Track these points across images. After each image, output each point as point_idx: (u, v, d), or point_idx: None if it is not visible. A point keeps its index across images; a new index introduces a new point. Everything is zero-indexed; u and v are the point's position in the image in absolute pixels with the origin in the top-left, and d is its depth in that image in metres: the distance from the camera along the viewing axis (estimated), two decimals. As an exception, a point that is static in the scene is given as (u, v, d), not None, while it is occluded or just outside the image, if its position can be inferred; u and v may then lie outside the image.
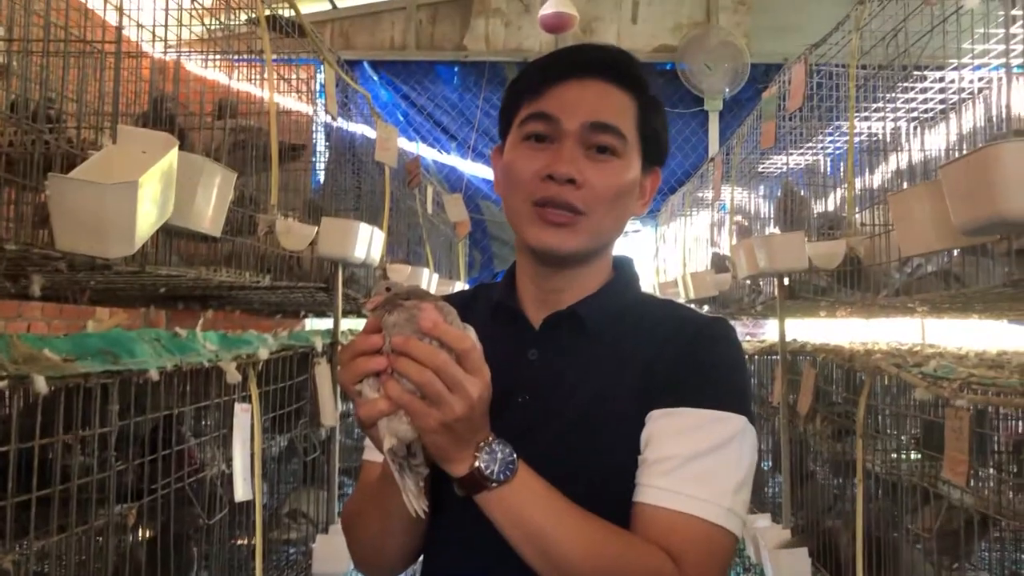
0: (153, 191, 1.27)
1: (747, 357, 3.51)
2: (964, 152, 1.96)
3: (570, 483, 1.06)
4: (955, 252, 1.92)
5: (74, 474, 1.34)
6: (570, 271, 1.20)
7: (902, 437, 2.39)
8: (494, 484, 1.01)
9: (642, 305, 1.24)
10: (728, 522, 1.05)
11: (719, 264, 4.05)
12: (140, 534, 1.88)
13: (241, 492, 1.87)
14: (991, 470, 1.94)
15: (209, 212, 1.49)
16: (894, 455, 2.29)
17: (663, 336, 1.16)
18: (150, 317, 3.40)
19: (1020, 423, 1.95)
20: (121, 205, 1.20)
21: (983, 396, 1.46)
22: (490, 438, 1.02)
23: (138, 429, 1.59)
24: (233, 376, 1.80)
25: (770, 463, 3.28)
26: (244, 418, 1.91)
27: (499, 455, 1.01)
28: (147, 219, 1.27)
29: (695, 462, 1.06)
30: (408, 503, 1.03)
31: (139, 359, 1.47)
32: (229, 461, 1.91)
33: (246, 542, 2.30)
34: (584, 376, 1.15)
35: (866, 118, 2.54)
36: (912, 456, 2.24)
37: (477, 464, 1.00)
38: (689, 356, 1.13)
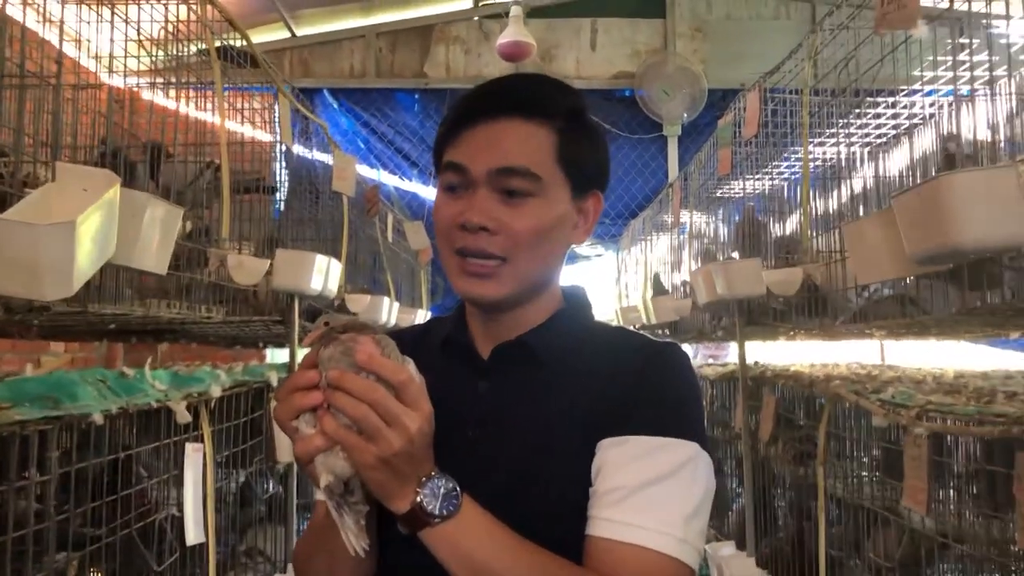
0: (93, 230, 1.23)
1: (708, 382, 3.50)
2: (918, 178, 1.99)
3: (522, 518, 1.03)
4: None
5: (9, 526, 1.29)
6: (513, 312, 1.18)
7: (863, 461, 2.39)
8: (437, 520, 0.98)
9: (593, 333, 1.22)
10: (681, 553, 1.02)
11: (659, 287, 4.08)
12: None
13: (193, 535, 1.81)
14: (951, 491, 1.94)
15: (154, 249, 1.45)
16: (854, 479, 2.29)
17: (613, 364, 1.14)
18: (103, 352, 3.33)
19: (977, 447, 1.95)
20: (58, 246, 1.16)
21: (941, 424, 1.46)
22: (432, 473, 0.99)
23: (83, 474, 1.54)
24: (183, 416, 1.75)
25: (734, 486, 3.27)
26: (196, 458, 1.86)
27: (441, 490, 0.99)
28: (87, 259, 1.23)
29: (645, 491, 1.03)
30: (347, 542, 1.00)
31: (81, 403, 1.42)
32: (180, 504, 1.85)
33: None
34: (535, 408, 1.13)
35: (820, 144, 2.56)
36: (872, 480, 2.24)
37: (418, 500, 0.98)
38: (639, 384, 1.11)
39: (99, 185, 1.29)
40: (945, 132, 1.97)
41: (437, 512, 0.98)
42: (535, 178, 1.12)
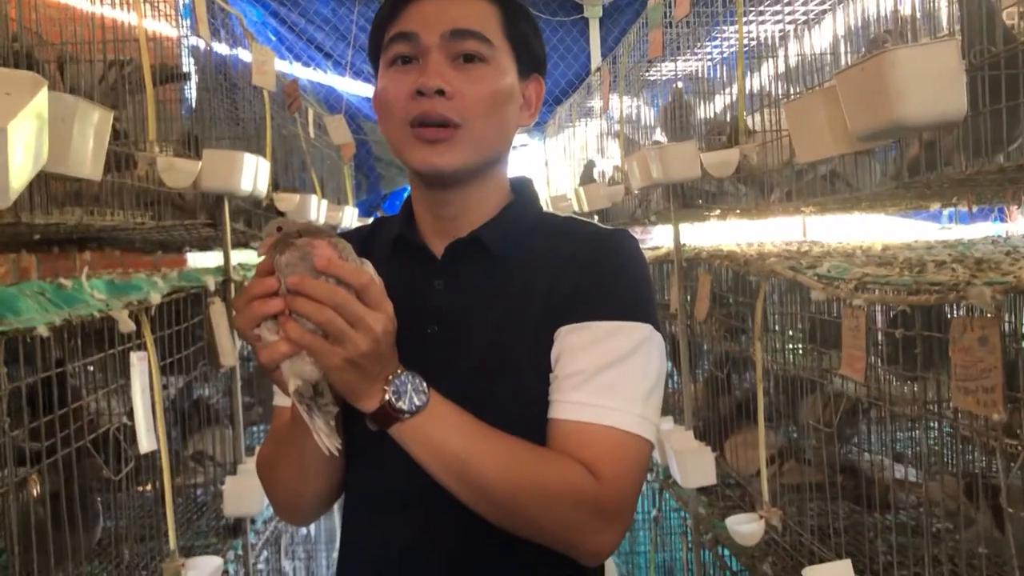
0: (25, 137, 1.16)
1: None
2: (844, 54, 2.01)
3: (485, 408, 1.07)
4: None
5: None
6: (462, 192, 1.18)
7: (790, 334, 2.49)
8: (406, 415, 1.01)
9: (544, 224, 1.24)
10: (641, 428, 1.08)
11: (588, 176, 4.09)
12: (40, 491, 1.80)
13: (146, 443, 1.80)
14: (875, 358, 2.04)
15: (88, 155, 1.39)
16: (784, 351, 2.39)
17: (566, 253, 1.16)
18: (21, 264, 3.20)
19: (891, 316, 2.03)
20: (-9, 154, 1.10)
21: (879, 295, 1.53)
22: (399, 370, 1.02)
23: (31, 389, 1.51)
24: (126, 325, 1.71)
25: (671, 366, 3.37)
26: (141, 367, 1.83)
27: (409, 386, 1.01)
28: (22, 168, 1.17)
29: (604, 373, 1.08)
30: (320, 442, 1.02)
31: (25, 316, 1.38)
32: (129, 412, 1.83)
33: (151, 488, 2.24)
34: (491, 301, 1.15)
35: (750, 21, 2.55)
36: (801, 351, 2.34)
37: (387, 398, 1.00)
38: (591, 270, 1.14)
39: (23, 89, 1.22)
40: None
41: (406, 408, 1.01)
42: (488, 43, 1.13)
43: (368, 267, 1.01)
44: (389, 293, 1.01)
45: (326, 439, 1.02)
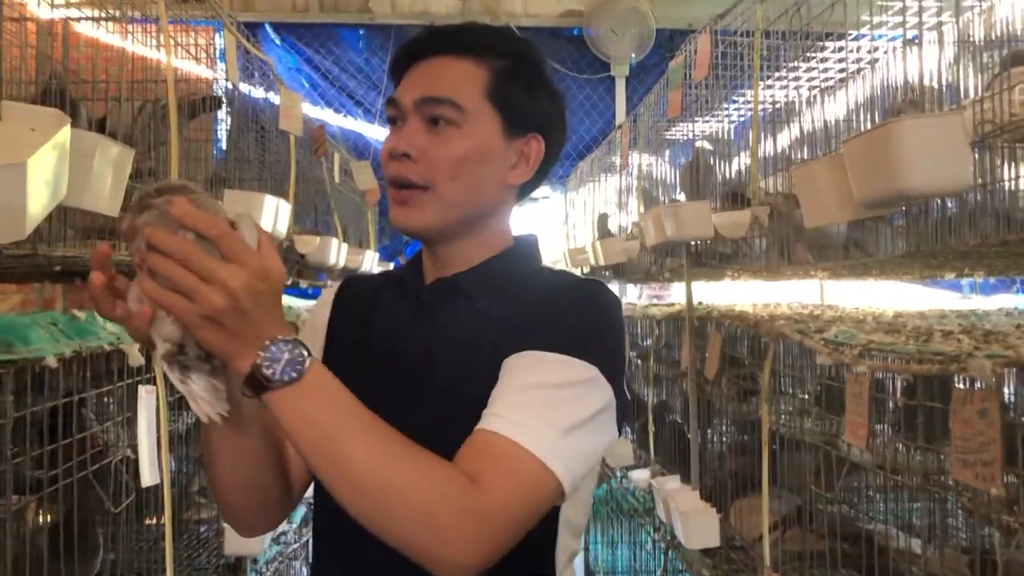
0: (45, 172, 1.20)
1: (654, 321, 3.55)
2: (863, 122, 2.03)
3: (447, 435, 1.05)
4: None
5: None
6: (447, 246, 1.23)
7: (800, 397, 2.48)
8: (276, 384, 0.95)
9: (531, 276, 1.26)
10: (548, 457, 1.01)
11: (603, 229, 4.11)
12: (41, 521, 1.82)
13: (148, 477, 1.81)
14: (885, 426, 2.02)
15: (106, 191, 1.43)
16: (792, 415, 2.38)
17: (536, 299, 1.18)
18: (45, 294, 3.25)
19: (900, 384, 2.02)
20: (10, 188, 1.14)
21: (882, 363, 1.52)
22: (279, 336, 0.96)
23: (37, 417, 1.53)
24: (135, 359, 1.74)
25: (679, 421, 3.35)
26: (149, 401, 1.85)
27: (285, 355, 0.95)
28: (39, 201, 1.21)
29: (528, 392, 1.06)
30: (199, 410, 0.97)
31: (35, 346, 1.41)
32: (134, 446, 1.84)
33: (155, 522, 2.24)
34: (462, 341, 1.18)
35: (769, 87, 2.59)
36: (811, 415, 2.32)
37: (257, 362, 0.94)
38: (548, 309, 1.15)
39: (48, 125, 1.26)
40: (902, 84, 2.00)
41: (276, 377, 0.95)
42: (458, 108, 1.17)
43: (244, 223, 0.96)
44: (379, 326, 1.04)
45: (206, 406, 0.96)
